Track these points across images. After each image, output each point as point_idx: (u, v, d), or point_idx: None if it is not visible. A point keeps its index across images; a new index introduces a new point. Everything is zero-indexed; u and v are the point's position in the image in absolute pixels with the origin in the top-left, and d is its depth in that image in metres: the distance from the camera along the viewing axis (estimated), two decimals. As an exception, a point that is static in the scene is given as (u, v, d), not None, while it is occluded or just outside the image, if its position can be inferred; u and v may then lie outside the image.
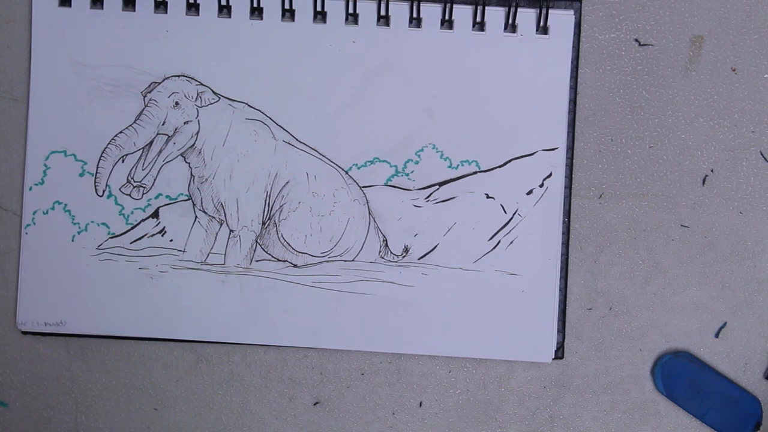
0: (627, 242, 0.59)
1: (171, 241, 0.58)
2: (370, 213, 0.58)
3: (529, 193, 0.58)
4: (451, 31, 0.58)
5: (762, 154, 0.59)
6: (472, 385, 0.59)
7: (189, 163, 0.58)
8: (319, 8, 0.58)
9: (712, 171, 0.59)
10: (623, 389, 0.59)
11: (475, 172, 0.58)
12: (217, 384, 0.59)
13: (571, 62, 0.58)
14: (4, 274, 0.59)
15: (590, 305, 0.59)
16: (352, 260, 0.58)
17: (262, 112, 0.58)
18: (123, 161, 0.58)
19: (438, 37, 0.58)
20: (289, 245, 0.58)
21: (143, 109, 0.58)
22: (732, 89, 0.59)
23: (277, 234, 0.58)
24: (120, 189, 0.58)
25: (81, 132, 0.58)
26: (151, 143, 0.58)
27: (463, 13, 0.58)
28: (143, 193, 0.58)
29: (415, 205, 0.58)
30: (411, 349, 0.58)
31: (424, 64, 0.58)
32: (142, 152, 0.58)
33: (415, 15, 0.58)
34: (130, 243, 0.58)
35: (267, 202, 0.58)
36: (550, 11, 0.58)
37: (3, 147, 0.59)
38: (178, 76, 0.58)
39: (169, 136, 0.58)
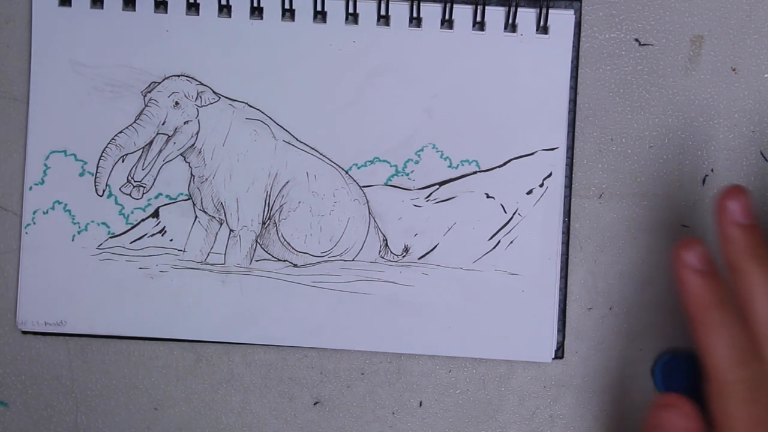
0: (627, 242, 0.59)
1: (171, 240, 0.58)
2: (370, 213, 0.58)
3: (529, 192, 0.58)
4: (451, 30, 0.58)
5: (762, 154, 0.59)
6: (472, 385, 0.59)
7: (189, 163, 0.58)
8: (319, 8, 0.58)
9: (712, 171, 0.59)
10: (623, 389, 0.59)
11: (475, 172, 0.58)
12: (217, 384, 0.59)
13: (571, 62, 0.58)
14: (4, 274, 0.59)
15: (590, 305, 0.59)
16: (352, 260, 0.58)
17: (262, 112, 0.58)
18: (123, 161, 0.58)
19: (438, 37, 0.58)
20: (289, 245, 0.58)
21: (143, 109, 0.58)
22: (732, 89, 0.59)
23: (277, 234, 0.58)
24: (120, 189, 0.58)
25: (81, 132, 0.58)
26: (151, 143, 0.58)
27: (463, 13, 0.58)
28: (143, 193, 0.58)
29: (415, 205, 0.58)
30: (411, 349, 0.58)
31: (424, 64, 0.58)
32: (142, 152, 0.58)
33: (415, 15, 0.58)
34: (130, 243, 0.58)
35: (267, 201, 0.58)
36: (550, 11, 0.58)
37: (3, 147, 0.59)
38: (178, 75, 0.58)
39: (169, 136, 0.58)
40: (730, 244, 0.49)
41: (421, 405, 0.59)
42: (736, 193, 0.48)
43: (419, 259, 0.58)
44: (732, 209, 0.48)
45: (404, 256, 0.58)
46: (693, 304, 0.48)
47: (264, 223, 0.58)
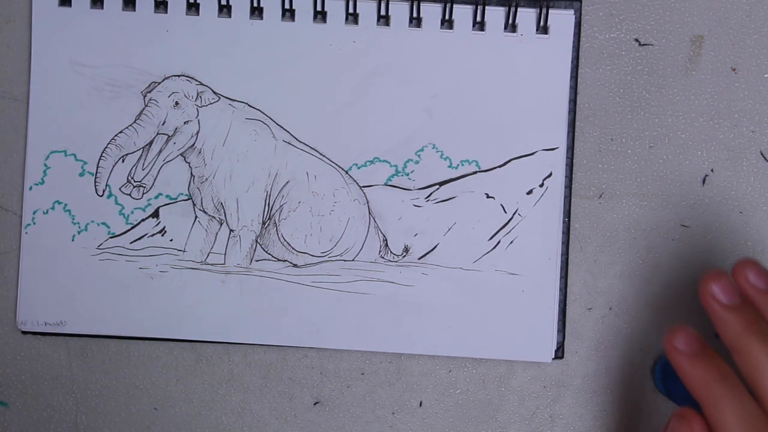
0: (627, 242, 0.59)
1: (171, 240, 0.58)
2: (370, 213, 0.58)
3: (529, 192, 0.58)
4: (451, 31, 0.58)
5: (762, 154, 0.59)
6: (472, 385, 0.59)
7: (189, 163, 0.58)
8: (319, 8, 0.58)
9: (712, 171, 0.59)
10: (623, 389, 0.59)
11: (475, 172, 0.58)
12: (217, 384, 0.59)
13: (571, 62, 0.58)
14: (4, 274, 0.59)
15: (590, 305, 0.59)
16: (352, 260, 0.58)
17: (262, 112, 0.58)
18: (123, 161, 0.58)
19: (438, 37, 0.58)
20: (289, 245, 0.58)
21: (143, 109, 0.58)
22: (732, 89, 0.59)
23: (277, 234, 0.58)
24: (120, 189, 0.58)
25: (81, 132, 0.58)
26: (151, 143, 0.58)
27: (463, 13, 0.58)
28: (143, 193, 0.58)
29: (415, 205, 0.58)
30: (411, 349, 0.58)
31: (424, 64, 0.58)
32: (142, 152, 0.58)
33: (415, 15, 0.58)
34: (130, 243, 0.58)
35: (267, 201, 0.58)
36: (550, 11, 0.58)
37: (3, 147, 0.59)
38: (178, 75, 0.58)
39: (169, 136, 0.58)
40: (725, 326, 0.48)
41: (421, 405, 0.59)
42: (716, 276, 0.48)
43: (419, 259, 0.58)
44: (717, 293, 0.48)
45: (404, 256, 0.58)
46: (695, 386, 0.48)
47: (264, 223, 0.58)
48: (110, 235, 0.58)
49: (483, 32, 0.58)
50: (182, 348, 0.59)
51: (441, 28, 0.58)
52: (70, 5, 0.58)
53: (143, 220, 0.58)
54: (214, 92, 0.58)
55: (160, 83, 0.58)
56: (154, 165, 0.58)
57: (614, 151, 0.59)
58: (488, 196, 0.58)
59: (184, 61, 0.58)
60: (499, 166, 0.58)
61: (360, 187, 0.58)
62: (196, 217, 0.58)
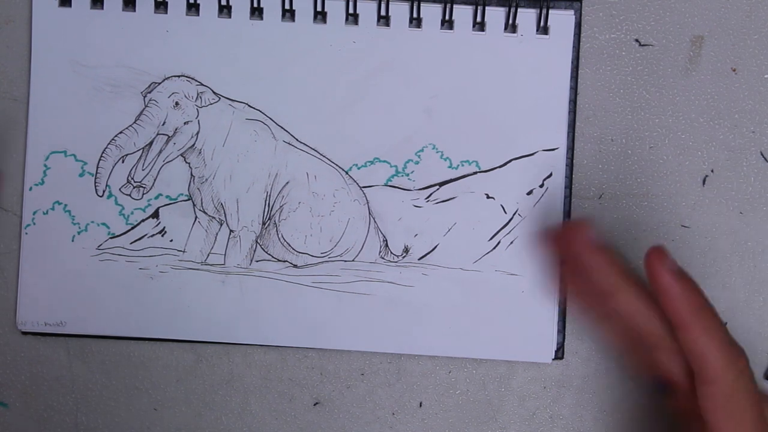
0: (627, 242, 0.59)
1: (171, 241, 0.58)
2: (370, 213, 0.58)
3: (529, 193, 0.58)
4: (451, 31, 0.58)
5: (762, 154, 0.59)
6: (472, 385, 0.59)
7: (189, 164, 0.58)
8: (319, 8, 0.58)
9: (712, 171, 0.59)
10: (623, 389, 0.59)
11: (475, 172, 0.58)
12: (217, 384, 0.59)
13: (571, 62, 0.58)
14: (4, 274, 0.59)
15: (590, 305, 0.59)
16: (352, 260, 0.58)
17: (263, 112, 0.58)
18: (123, 161, 0.58)
19: (438, 37, 0.58)
20: (289, 245, 0.58)
21: (143, 110, 0.58)
22: (732, 89, 0.59)
23: (277, 234, 0.58)
24: (120, 189, 0.58)
25: (81, 132, 0.58)
26: (151, 143, 0.58)
27: (463, 13, 0.58)
28: (143, 193, 0.58)
29: (415, 205, 0.58)
30: (411, 349, 0.58)
31: (424, 64, 0.58)
32: (142, 152, 0.58)
33: (415, 15, 0.58)
34: (130, 243, 0.58)
35: (267, 202, 0.58)
36: (550, 11, 0.58)
37: (3, 147, 0.59)
38: (178, 76, 0.58)
39: (169, 137, 0.58)
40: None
41: (421, 405, 0.59)
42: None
43: (419, 259, 0.58)
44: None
45: (404, 256, 0.58)
46: (683, 308, 0.48)
47: (264, 223, 0.58)
48: (110, 236, 0.58)
49: (483, 32, 0.58)
50: (182, 348, 0.59)
51: (441, 29, 0.58)
52: (70, 5, 0.58)
53: (143, 220, 0.58)
54: (214, 92, 0.58)
55: (160, 84, 0.58)
56: (154, 165, 0.58)
57: (614, 152, 0.59)
58: (488, 197, 0.58)
59: (184, 62, 0.58)
60: (499, 167, 0.58)
61: (360, 187, 0.58)
62: (196, 217, 0.58)
